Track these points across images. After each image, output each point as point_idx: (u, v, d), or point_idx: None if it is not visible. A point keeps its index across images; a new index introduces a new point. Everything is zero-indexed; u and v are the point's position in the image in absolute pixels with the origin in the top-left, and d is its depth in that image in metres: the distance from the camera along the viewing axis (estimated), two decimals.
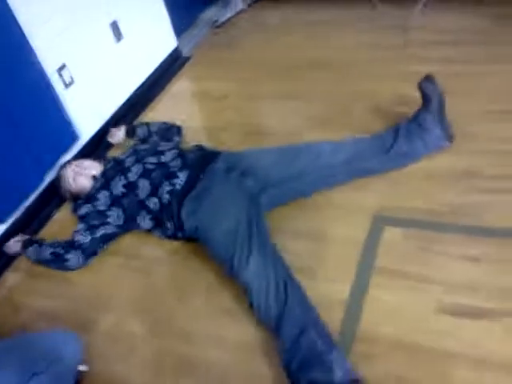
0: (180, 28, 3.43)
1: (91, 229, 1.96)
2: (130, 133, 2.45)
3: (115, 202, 2.00)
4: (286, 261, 1.66)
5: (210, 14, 3.89)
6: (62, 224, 2.22)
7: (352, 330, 1.52)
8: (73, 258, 1.92)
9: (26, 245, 2.01)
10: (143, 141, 2.36)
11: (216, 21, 3.69)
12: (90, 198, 2.05)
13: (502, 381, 1.34)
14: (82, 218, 2.02)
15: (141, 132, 2.41)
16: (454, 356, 1.40)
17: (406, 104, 2.30)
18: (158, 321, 1.72)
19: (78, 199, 2.13)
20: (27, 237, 2.06)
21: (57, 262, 1.94)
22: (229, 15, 3.72)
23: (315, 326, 1.45)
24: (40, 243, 2.00)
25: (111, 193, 2.01)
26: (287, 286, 1.54)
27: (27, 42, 2.09)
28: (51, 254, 1.94)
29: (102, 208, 2.01)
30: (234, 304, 1.69)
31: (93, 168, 2.15)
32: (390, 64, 2.76)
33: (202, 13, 3.89)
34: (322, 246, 1.81)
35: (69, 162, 2.25)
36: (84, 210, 2.04)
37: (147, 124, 2.45)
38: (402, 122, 2.08)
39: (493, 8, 3.01)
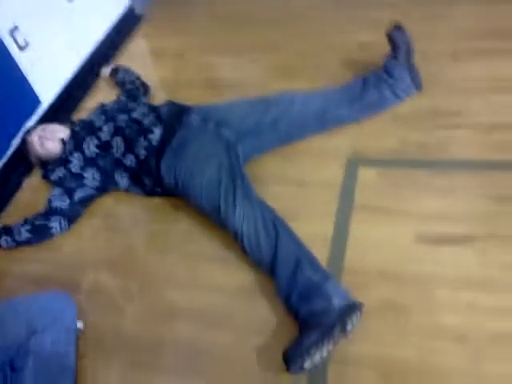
0: None
1: (68, 192, 1.94)
2: (114, 73, 2.57)
3: (89, 163, 1.97)
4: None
5: None
6: (33, 190, 2.18)
7: (338, 264, 1.60)
8: (56, 224, 1.90)
9: None
10: (121, 84, 2.46)
11: None
12: (62, 161, 2.01)
13: (479, 296, 1.45)
14: (56, 183, 1.99)
15: (121, 76, 2.51)
16: (436, 280, 1.51)
17: (369, 51, 2.37)
18: (145, 275, 1.74)
19: (47, 164, 2.09)
20: None
21: (40, 234, 1.90)
22: None
23: (308, 260, 1.52)
24: (7, 229, 1.91)
25: (84, 154, 1.98)
26: (276, 224, 1.60)
27: None
28: (29, 230, 1.88)
29: (76, 170, 1.98)
30: (221, 251, 1.74)
31: (59, 131, 2.10)
32: (348, 9, 2.78)
33: None
34: (302, 191, 1.87)
35: (33, 127, 2.19)
36: (57, 173, 2.00)
37: (127, 71, 2.52)
38: (371, 71, 2.12)
39: None
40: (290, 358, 1.33)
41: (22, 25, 2.26)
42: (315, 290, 1.43)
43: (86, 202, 1.98)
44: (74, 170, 1.98)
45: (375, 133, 2.01)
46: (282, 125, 1.96)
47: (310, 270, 1.48)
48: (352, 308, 1.39)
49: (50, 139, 2.07)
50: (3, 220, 2.08)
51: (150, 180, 1.90)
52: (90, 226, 1.97)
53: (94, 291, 1.73)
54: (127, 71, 2.53)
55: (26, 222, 1.91)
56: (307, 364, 1.32)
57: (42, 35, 2.40)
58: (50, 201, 1.95)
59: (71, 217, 1.94)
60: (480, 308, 1.42)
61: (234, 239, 1.66)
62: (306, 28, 2.75)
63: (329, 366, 1.39)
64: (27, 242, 1.90)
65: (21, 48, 2.26)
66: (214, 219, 1.72)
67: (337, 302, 1.39)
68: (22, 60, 2.25)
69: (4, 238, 1.90)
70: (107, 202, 2.03)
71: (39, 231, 1.90)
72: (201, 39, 2.91)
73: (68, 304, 1.48)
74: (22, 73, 2.24)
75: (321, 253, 1.62)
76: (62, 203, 1.91)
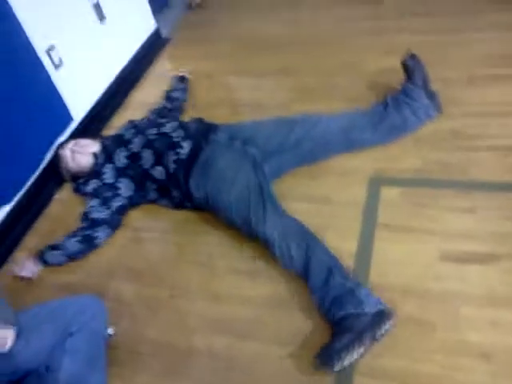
0: (156, 10, 3.43)
1: (106, 202, 1.99)
2: (176, 80, 2.67)
3: (121, 173, 2.03)
4: None
5: None
6: (63, 204, 2.25)
7: (363, 280, 1.63)
8: (102, 234, 1.95)
9: (41, 258, 1.92)
10: (167, 92, 2.56)
11: (191, 2, 3.70)
12: (95, 173, 2.07)
13: (503, 314, 1.48)
14: (92, 194, 2.04)
15: (175, 87, 2.62)
16: (460, 297, 1.54)
17: (387, 74, 2.46)
18: (175, 286, 1.79)
19: (78, 178, 2.16)
20: (32, 254, 1.94)
21: (89, 244, 1.93)
22: None
23: (340, 269, 1.58)
24: (54, 245, 1.93)
25: (115, 165, 2.04)
26: (306, 236, 1.66)
27: (18, 24, 2.08)
28: (80, 241, 1.91)
29: (110, 181, 2.03)
30: (250, 264, 1.78)
31: (91, 145, 2.16)
32: (368, 35, 2.87)
33: None
34: (326, 209, 1.91)
35: (65, 142, 2.26)
36: (92, 185, 2.05)
37: (183, 90, 2.63)
38: (389, 94, 2.17)
39: None
40: (322, 360, 1.40)
41: (57, 44, 2.36)
42: (348, 295, 1.49)
43: (123, 211, 2.04)
44: (107, 181, 2.04)
45: (397, 153, 2.07)
46: (305, 145, 2.01)
47: (342, 278, 1.54)
48: (383, 314, 1.45)
49: (82, 153, 2.13)
50: (34, 231, 2.15)
51: (178, 192, 1.96)
52: (119, 237, 2.03)
53: (123, 299, 1.78)
54: (184, 91, 2.61)
55: (72, 235, 1.94)
56: (337, 367, 1.38)
57: (75, 55, 2.50)
58: (88, 213, 1.99)
59: (114, 226, 2.00)
60: (504, 326, 1.45)
61: (266, 248, 1.71)
62: (324, 52, 2.83)
63: (354, 378, 1.42)
64: (78, 253, 1.92)
65: (56, 66, 2.35)
66: (245, 232, 1.77)
67: (368, 308, 1.45)
68: (57, 78, 2.35)
69: (51, 253, 1.91)
70: (136, 214, 2.09)
71: (88, 241, 1.93)
72: (224, 61, 3.01)
73: (100, 309, 1.51)
74: (56, 90, 2.33)
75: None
76: (102, 213, 1.97)
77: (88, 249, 1.95)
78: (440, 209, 1.81)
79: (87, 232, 1.94)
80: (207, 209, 1.92)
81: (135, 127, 2.14)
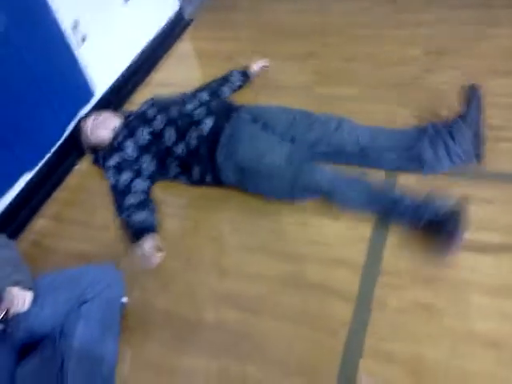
0: None
1: (140, 174, 2.01)
2: (246, 73, 2.49)
3: (143, 150, 2.05)
4: None
5: None
6: (83, 174, 2.29)
7: (376, 264, 1.65)
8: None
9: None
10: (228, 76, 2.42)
11: None
12: (116, 148, 2.08)
13: None
14: (117, 168, 2.02)
15: (239, 78, 2.46)
16: (472, 286, 1.54)
17: (408, 63, 2.48)
18: (190, 259, 1.82)
19: (98, 150, 2.18)
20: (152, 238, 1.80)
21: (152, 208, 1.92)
22: None
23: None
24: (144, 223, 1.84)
25: (137, 142, 2.05)
26: (358, 177, 1.77)
27: None
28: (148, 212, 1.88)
29: (133, 155, 2.04)
30: (264, 243, 1.80)
31: (112, 119, 2.19)
32: (389, 27, 2.85)
33: None
34: None
35: (87, 114, 2.29)
36: (115, 159, 2.05)
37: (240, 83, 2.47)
38: (431, 122, 1.91)
39: None
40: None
41: (82, 20, 2.38)
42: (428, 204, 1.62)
43: (152, 178, 2.05)
44: (130, 154, 2.04)
45: None
46: (320, 147, 1.95)
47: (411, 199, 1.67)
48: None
49: (102, 127, 2.16)
50: (52, 201, 2.19)
51: (199, 168, 1.97)
52: None
53: (138, 270, 1.79)
54: (232, 89, 2.41)
55: (138, 207, 1.88)
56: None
57: (99, 31, 2.52)
58: (124, 184, 1.96)
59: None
60: None
61: (326, 197, 1.79)
62: (346, 40, 2.82)
63: (360, 362, 1.43)
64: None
65: (79, 41, 2.38)
66: (287, 193, 1.82)
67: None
68: (80, 53, 2.38)
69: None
70: (154, 190, 2.09)
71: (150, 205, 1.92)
72: (245, 44, 3.02)
73: (117, 278, 1.54)
74: (79, 65, 2.36)
75: (359, 251, 1.68)
76: (144, 185, 1.97)
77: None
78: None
79: (143, 197, 1.93)
80: (236, 182, 1.92)
81: (157, 105, 2.15)
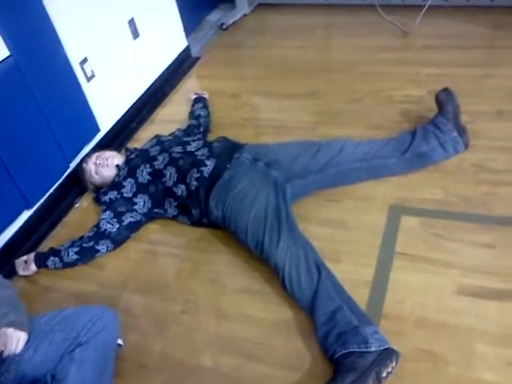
0: (188, 29, 3.50)
1: (118, 216, 2.02)
2: (195, 101, 2.71)
3: (141, 189, 2.05)
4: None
5: (215, 16, 3.98)
6: (83, 212, 2.28)
7: (378, 308, 1.61)
8: (103, 248, 1.98)
9: (39, 260, 1.98)
10: (190, 113, 2.61)
11: (222, 24, 3.77)
12: (115, 184, 2.10)
13: None
14: (107, 205, 2.07)
15: (196, 107, 2.64)
16: (476, 333, 1.50)
17: (412, 102, 2.49)
18: (187, 301, 1.79)
19: (101, 189, 2.19)
20: (33, 254, 2.01)
21: (86, 256, 1.98)
22: (235, 18, 3.82)
23: (348, 304, 1.54)
24: (55, 251, 1.98)
25: (136, 180, 2.06)
26: (319, 266, 1.63)
27: (55, 33, 2.15)
28: (77, 252, 1.95)
29: (128, 195, 2.06)
30: (262, 286, 1.77)
31: (115, 157, 2.21)
32: (394, 66, 2.88)
33: (208, 15, 3.99)
34: (345, 234, 1.90)
35: (88, 155, 2.29)
36: (109, 196, 2.08)
37: (203, 107, 2.64)
38: (418, 124, 2.17)
39: (489, 15, 3.15)
40: None
41: (90, 57, 2.42)
42: (353, 332, 1.44)
43: (134, 227, 2.06)
44: (126, 194, 2.06)
45: (419, 182, 2.05)
46: (329, 170, 2.00)
47: (349, 314, 1.50)
48: (389, 355, 1.39)
49: (105, 166, 2.17)
50: (51, 238, 2.18)
51: (197, 211, 1.97)
52: (135, 249, 2.04)
53: (133, 312, 1.79)
54: (204, 107, 2.63)
55: (73, 244, 1.99)
56: None
57: (107, 68, 2.56)
58: (99, 223, 2.03)
59: (118, 241, 2.02)
60: None
61: (276, 275, 1.70)
62: (351, 79, 2.84)
63: None
64: (74, 264, 1.97)
65: (88, 78, 2.41)
66: (258, 254, 1.76)
67: (374, 348, 1.40)
68: (88, 90, 2.40)
69: (52, 259, 1.96)
70: (154, 227, 2.11)
71: (86, 253, 1.97)
72: (250, 83, 3.05)
73: (113, 321, 1.51)
74: (86, 101, 2.39)
75: (360, 296, 1.64)
76: (111, 227, 2.00)
77: (86, 260, 1.98)
78: (459, 242, 1.78)
79: (89, 244, 1.97)
80: (223, 227, 1.93)
81: (161, 144, 2.17)
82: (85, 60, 2.39)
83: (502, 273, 1.65)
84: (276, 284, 1.74)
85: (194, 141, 2.13)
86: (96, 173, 2.18)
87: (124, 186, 2.07)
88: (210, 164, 1.96)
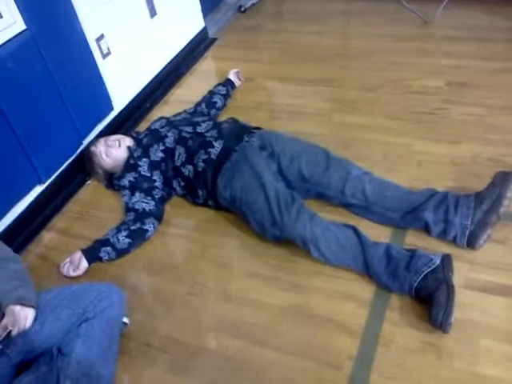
0: (205, 10, 3.47)
1: (149, 194, 2.00)
2: (228, 81, 2.72)
3: (155, 167, 2.05)
4: None
5: None
6: (95, 189, 2.29)
7: (384, 302, 1.61)
8: (150, 226, 1.94)
9: (89, 255, 1.87)
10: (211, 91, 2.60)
11: (241, 6, 3.74)
12: (131, 167, 2.07)
13: None
14: (131, 188, 2.04)
15: (222, 87, 2.65)
16: (481, 328, 1.49)
17: (430, 93, 2.47)
18: (195, 283, 1.79)
19: (111, 175, 2.17)
20: (78, 252, 1.88)
21: (138, 238, 1.92)
22: (253, 1, 3.78)
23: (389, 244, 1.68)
24: (103, 241, 1.89)
25: (150, 159, 2.06)
26: (345, 224, 1.74)
27: (72, 9, 2.14)
28: (128, 236, 1.89)
29: (146, 174, 2.05)
30: (269, 271, 1.77)
31: (124, 139, 2.18)
32: (413, 55, 2.84)
33: None
34: None
35: (96, 140, 2.25)
36: (128, 178, 2.05)
37: (226, 94, 2.63)
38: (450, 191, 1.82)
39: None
40: (438, 319, 1.46)
41: (107, 34, 2.41)
42: (416, 258, 1.59)
43: (165, 200, 2.07)
44: (144, 173, 2.05)
45: (433, 175, 2.02)
46: (328, 194, 1.90)
47: (397, 247, 1.66)
48: (447, 257, 1.61)
49: (117, 147, 2.14)
50: (62, 214, 2.19)
51: (203, 192, 1.97)
52: None
53: (140, 291, 1.80)
54: (224, 96, 2.58)
55: (119, 230, 1.91)
56: (452, 318, 1.45)
57: (123, 46, 2.55)
58: (133, 205, 1.98)
59: (160, 216, 2.01)
60: None
61: (305, 248, 1.71)
62: (368, 67, 2.81)
63: None
64: (127, 249, 1.91)
65: (104, 55, 2.41)
66: (277, 233, 1.75)
67: (436, 259, 1.59)
68: (103, 67, 2.40)
69: (104, 249, 1.87)
70: (165, 208, 2.10)
71: (137, 235, 1.92)
72: (266, 66, 3.03)
73: (119, 299, 1.52)
74: (101, 78, 2.38)
75: (367, 286, 1.65)
76: (148, 205, 1.97)
77: (138, 243, 1.93)
78: None
79: (136, 226, 1.92)
80: (232, 209, 1.92)
81: (170, 123, 2.16)
82: (101, 37, 2.37)
83: (510, 269, 1.63)
84: (284, 269, 1.75)
85: (204, 121, 2.10)
86: (107, 155, 2.14)
87: (140, 166, 2.05)
88: (218, 146, 1.94)
